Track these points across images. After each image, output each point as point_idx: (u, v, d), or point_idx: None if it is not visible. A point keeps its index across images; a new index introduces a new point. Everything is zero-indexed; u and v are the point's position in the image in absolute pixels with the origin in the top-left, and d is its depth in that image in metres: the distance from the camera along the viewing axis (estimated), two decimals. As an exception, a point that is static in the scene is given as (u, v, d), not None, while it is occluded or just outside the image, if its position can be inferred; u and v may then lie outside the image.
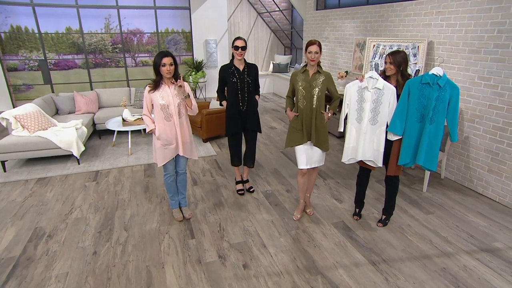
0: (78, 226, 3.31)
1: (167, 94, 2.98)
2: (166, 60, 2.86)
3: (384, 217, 3.33)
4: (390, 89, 2.87)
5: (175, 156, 3.24)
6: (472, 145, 3.99)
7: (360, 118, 2.98)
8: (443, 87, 2.70)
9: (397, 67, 2.86)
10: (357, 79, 3.02)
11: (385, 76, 2.97)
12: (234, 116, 3.63)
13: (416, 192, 3.99)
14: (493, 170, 3.77)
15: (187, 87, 3.05)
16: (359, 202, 3.43)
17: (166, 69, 2.88)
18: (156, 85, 2.97)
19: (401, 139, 2.93)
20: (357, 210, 3.46)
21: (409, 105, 2.85)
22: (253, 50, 10.81)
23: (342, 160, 3.13)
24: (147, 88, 2.97)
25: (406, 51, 4.63)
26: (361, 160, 3.09)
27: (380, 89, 2.87)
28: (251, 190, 4.00)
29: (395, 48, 4.76)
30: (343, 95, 3.08)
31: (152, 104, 3.03)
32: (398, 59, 2.82)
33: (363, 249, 2.96)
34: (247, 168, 3.99)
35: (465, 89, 3.97)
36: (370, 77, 2.91)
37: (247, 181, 4.06)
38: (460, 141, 4.13)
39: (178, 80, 2.95)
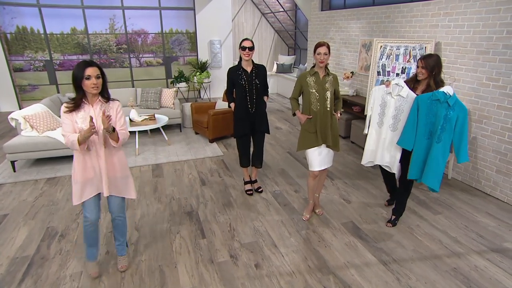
0: (90, 225, 3.33)
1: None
2: (91, 71, 2.16)
3: (393, 217, 3.35)
4: (413, 99, 2.89)
5: (104, 197, 2.47)
6: (480, 146, 4.00)
7: (381, 122, 3.02)
8: (452, 106, 2.68)
9: (429, 72, 2.80)
10: (384, 84, 3.06)
11: (416, 80, 2.96)
12: (242, 118, 3.65)
13: (423, 192, 4.00)
14: (501, 170, 3.78)
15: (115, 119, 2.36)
16: (392, 191, 3.59)
17: (91, 82, 2.17)
18: (76, 104, 2.25)
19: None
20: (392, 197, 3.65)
21: (418, 121, 2.84)
22: (257, 51, 10.83)
23: (362, 163, 3.18)
24: (63, 108, 2.24)
25: (413, 52, 4.65)
26: None
27: (403, 97, 2.89)
28: (259, 190, 4.02)
29: (402, 49, 4.78)
30: (345, 95, 3.14)
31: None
32: (431, 63, 2.76)
33: (373, 249, 2.98)
34: (255, 168, 4.00)
35: (473, 90, 3.98)
36: (396, 84, 2.93)
37: (255, 181, 4.08)
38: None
39: (105, 110, 2.24)
